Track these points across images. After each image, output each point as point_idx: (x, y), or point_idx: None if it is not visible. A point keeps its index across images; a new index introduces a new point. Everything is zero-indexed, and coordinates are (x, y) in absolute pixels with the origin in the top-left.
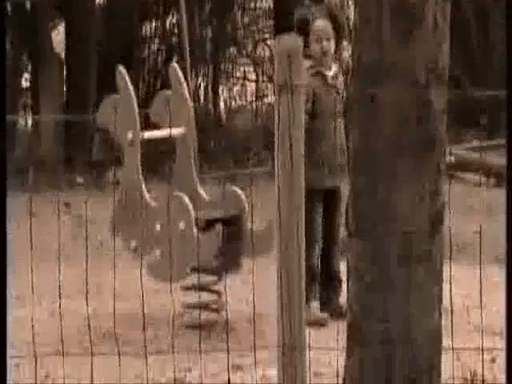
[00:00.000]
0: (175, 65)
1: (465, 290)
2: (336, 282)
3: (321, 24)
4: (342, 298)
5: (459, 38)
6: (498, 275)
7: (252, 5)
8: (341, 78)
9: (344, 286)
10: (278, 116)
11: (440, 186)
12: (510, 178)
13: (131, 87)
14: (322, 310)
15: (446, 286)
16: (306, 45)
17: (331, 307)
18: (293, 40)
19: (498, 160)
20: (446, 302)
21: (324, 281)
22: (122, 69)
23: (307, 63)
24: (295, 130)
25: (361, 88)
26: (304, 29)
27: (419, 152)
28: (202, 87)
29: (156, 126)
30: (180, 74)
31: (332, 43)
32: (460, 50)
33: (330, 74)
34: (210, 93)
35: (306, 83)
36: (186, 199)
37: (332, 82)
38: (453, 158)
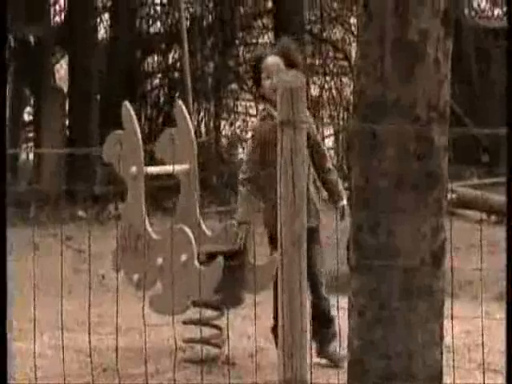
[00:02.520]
0: (180, 103)
1: (466, 327)
2: (328, 324)
3: (271, 60)
4: (336, 343)
5: (461, 76)
6: (500, 312)
7: (254, 40)
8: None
9: (335, 324)
10: (281, 151)
11: (441, 221)
12: (510, 215)
13: (136, 122)
14: (318, 355)
15: (447, 323)
16: (259, 84)
17: (326, 354)
18: (295, 77)
19: (499, 197)
20: (447, 339)
21: (316, 324)
22: (127, 104)
23: (261, 106)
24: (297, 164)
25: (362, 124)
26: (258, 67)
27: (421, 188)
28: (203, 122)
29: (161, 163)
30: (185, 112)
31: None
32: (461, 87)
33: None
34: (212, 128)
35: (257, 129)
36: (189, 231)
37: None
38: (454, 195)
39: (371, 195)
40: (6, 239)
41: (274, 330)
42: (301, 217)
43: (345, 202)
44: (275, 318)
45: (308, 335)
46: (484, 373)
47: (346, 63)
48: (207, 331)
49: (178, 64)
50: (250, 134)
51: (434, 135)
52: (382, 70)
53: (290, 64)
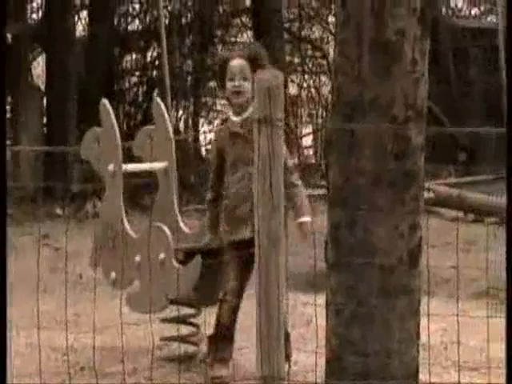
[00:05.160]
0: (159, 100)
1: (442, 325)
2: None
3: (236, 62)
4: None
5: (438, 75)
6: (476, 310)
7: (232, 38)
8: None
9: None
10: (258, 150)
11: (418, 220)
12: (510, 215)
13: (114, 120)
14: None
15: (423, 321)
16: (224, 85)
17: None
18: (273, 75)
19: (476, 196)
20: (423, 336)
21: None
22: (105, 101)
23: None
24: (275, 163)
25: (340, 123)
26: (223, 69)
27: (398, 186)
28: (182, 120)
29: (139, 160)
30: (164, 109)
31: (248, 84)
32: (439, 86)
33: (237, 119)
34: (191, 125)
35: (216, 134)
36: (167, 229)
37: (239, 130)
38: (431, 194)
39: (349, 193)
40: (6, 240)
41: (211, 338)
42: (278, 214)
43: (308, 218)
44: (217, 325)
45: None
46: (460, 371)
47: (324, 62)
48: (185, 329)
49: (157, 62)
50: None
51: (411, 134)
52: (360, 69)
53: (257, 69)
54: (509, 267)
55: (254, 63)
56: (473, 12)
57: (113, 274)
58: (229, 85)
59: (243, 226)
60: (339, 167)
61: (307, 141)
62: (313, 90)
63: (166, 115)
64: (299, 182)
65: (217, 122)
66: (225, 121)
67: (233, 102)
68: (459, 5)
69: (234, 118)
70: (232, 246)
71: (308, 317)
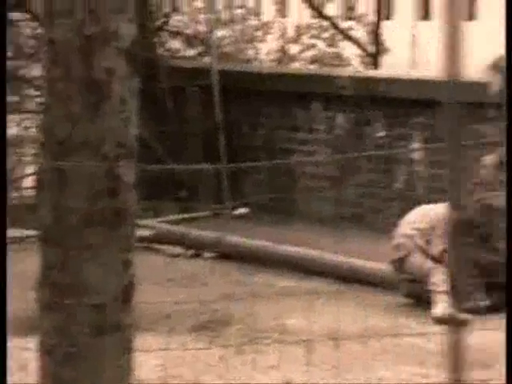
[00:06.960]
0: None
1: (161, 360)
2: None
3: None
4: None
5: (157, 114)
6: (194, 344)
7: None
8: None
9: None
10: None
11: (131, 257)
12: (510, 218)
13: None
14: None
15: (142, 357)
16: None
17: None
18: None
19: (196, 232)
20: (142, 372)
21: None
22: None
23: None
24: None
25: (50, 162)
26: None
27: (109, 224)
28: None
29: None
30: None
31: None
32: (159, 124)
33: None
34: None
35: None
36: None
37: None
38: (150, 231)
39: (60, 233)
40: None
41: None
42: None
43: None
44: None
45: None
46: None
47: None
48: None
49: None
50: None
51: (121, 172)
52: (70, 108)
53: None
54: (509, 265)
55: None
56: (190, 53)
57: None
58: None
59: None
60: (50, 206)
61: (29, 182)
62: (34, 130)
63: None
64: None
65: None
66: None
67: None
68: (176, 46)
69: None
70: None
71: (24, 361)
